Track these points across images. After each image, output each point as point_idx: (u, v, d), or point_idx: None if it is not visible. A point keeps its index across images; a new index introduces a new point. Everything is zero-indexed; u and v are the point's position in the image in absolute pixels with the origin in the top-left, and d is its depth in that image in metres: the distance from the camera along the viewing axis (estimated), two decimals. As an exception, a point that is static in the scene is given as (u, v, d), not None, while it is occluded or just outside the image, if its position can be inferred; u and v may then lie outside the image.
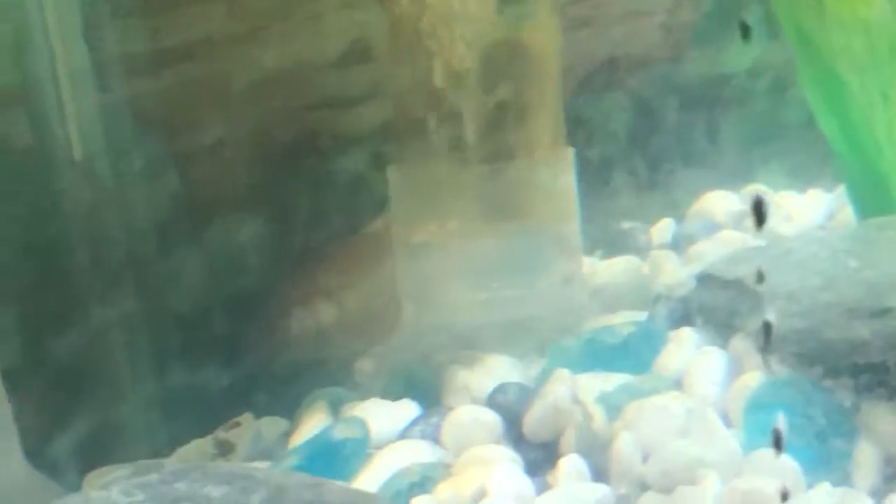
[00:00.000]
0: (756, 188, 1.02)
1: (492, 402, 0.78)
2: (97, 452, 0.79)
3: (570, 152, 0.89)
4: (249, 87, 0.89)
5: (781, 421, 0.81)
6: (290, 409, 0.82)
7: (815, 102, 0.90)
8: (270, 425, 0.82)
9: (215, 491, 0.63)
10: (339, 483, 0.68)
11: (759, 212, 0.70)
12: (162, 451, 0.80)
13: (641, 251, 0.98)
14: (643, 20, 0.97)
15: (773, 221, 0.99)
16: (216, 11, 0.88)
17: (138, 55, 0.86)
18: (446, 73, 0.86)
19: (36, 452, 0.77)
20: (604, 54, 0.99)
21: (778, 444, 0.75)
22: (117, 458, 0.73)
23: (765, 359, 0.79)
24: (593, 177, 0.98)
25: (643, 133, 1.00)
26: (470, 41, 0.85)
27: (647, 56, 0.99)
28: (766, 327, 0.71)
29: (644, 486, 0.73)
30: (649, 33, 0.99)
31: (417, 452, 0.75)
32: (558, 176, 0.88)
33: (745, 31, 0.84)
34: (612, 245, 0.98)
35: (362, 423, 0.77)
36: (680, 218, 1.02)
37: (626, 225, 0.99)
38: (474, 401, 0.79)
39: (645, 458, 0.74)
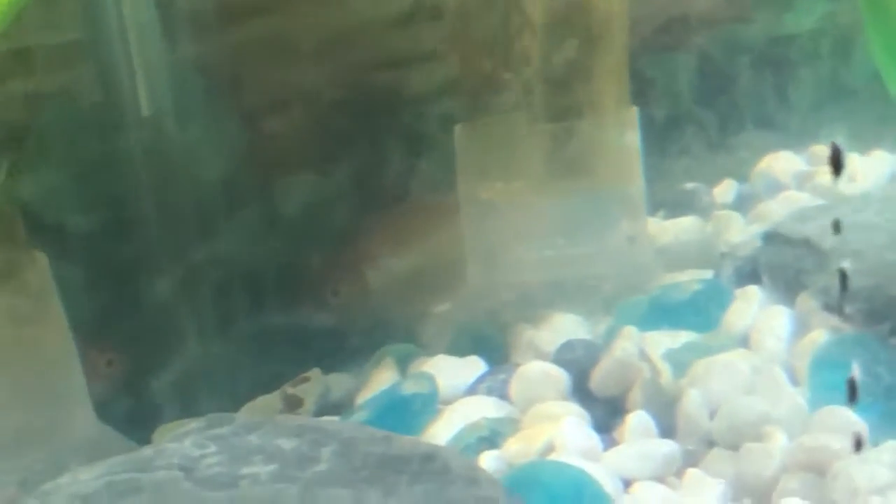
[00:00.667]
0: (833, 142, 1.00)
1: (559, 358, 0.78)
2: (169, 407, 0.81)
3: (634, 112, 0.88)
4: (317, 44, 0.89)
5: (857, 371, 0.81)
6: (359, 365, 0.83)
7: (882, 63, 0.88)
8: (338, 381, 0.82)
9: (287, 443, 0.63)
10: (409, 437, 0.68)
11: (836, 162, 0.69)
12: (231, 405, 0.80)
13: (705, 211, 0.97)
14: None
15: (837, 181, 0.97)
16: None
17: (206, 11, 0.87)
18: (515, 31, 0.85)
19: (106, 407, 0.78)
20: (670, 14, 0.99)
21: (853, 395, 0.79)
22: (190, 413, 0.74)
23: (840, 308, 0.79)
24: (659, 137, 0.97)
25: (708, 94, 1.01)
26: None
27: (713, 16, 0.98)
28: (843, 276, 0.71)
29: (711, 443, 0.72)
30: None
31: (485, 408, 0.75)
32: (623, 136, 0.88)
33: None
34: (677, 205, 0.98)
35: (430, 379, 0.77)
36: (743, 178, 1.02)
37: (689, 185, 0.99)
38: (541, 357, 0.79)
39: (712, 415, 0.73)
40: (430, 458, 0.62)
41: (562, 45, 0.85)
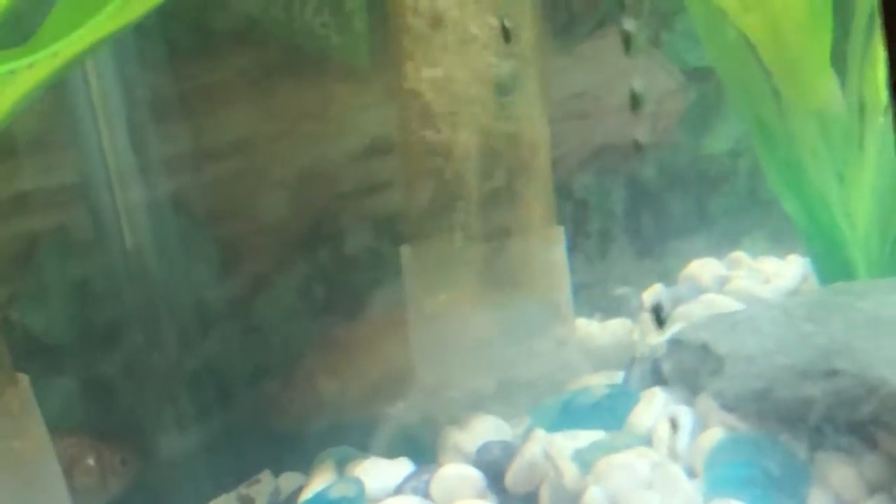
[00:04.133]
0: (699, 265, 1.00)
1: (478, 459, 0.76)
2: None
3: (560, 231, 0.86)
4: (282, 179, 0.89)
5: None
6: (308, 465, 0.81)
7: (776, 184, 0.88)
8: (288, 481, 0.80)
9: None
10: None
11: (658, 314, 0.69)
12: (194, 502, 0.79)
13: (633, 314, 0.94)
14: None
15: (750, 284, 0.97)
16: (248, 115, 0.88)
17: (182, 154, 0.86)
18: (451, 164, 0.84)
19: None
20: (603, 142, 0.98)
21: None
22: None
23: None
24: (593, 249, 0.97)
25: (637, 209, 0.99)
26: (471, 136, 0.83)
27: (640, 142, 0.96)
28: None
29: None
30: (641, 121, 0.96)
31: None
32: (550, 251, 0.86)
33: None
34: (609, 309, 0.95)
35: (358, 482, 0.76)
36: (672, 283, 0.99)
37: (621, 290, 0.96)
38: (464, 458, 0.77)
39: None
40: None
41: (493, 173, 0.83)
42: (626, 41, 0.64)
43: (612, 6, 0.93)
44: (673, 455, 0.75)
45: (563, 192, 0.88)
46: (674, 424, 0.76)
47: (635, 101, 0.64)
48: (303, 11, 0.87)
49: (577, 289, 0.88)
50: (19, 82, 0.61)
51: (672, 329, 0.88)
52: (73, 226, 0.82)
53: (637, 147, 0.91)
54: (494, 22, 0.81)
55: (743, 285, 0.96)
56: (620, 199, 0.96)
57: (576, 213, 0.92)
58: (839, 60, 0.84)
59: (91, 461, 0.80)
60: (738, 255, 1.00)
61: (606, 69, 0.94)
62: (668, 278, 0.98)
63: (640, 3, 0.90)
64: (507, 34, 0.81)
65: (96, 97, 0.81)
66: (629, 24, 0.69)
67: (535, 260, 0.85)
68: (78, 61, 0.65)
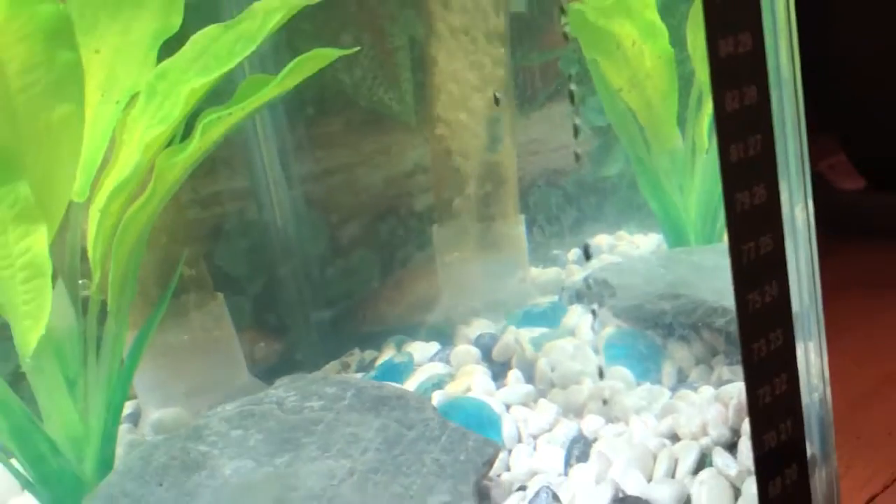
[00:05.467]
0: (611, 236, 1.00)
1: (476, 342, 0.76)
2: (285, 368, 0.77)
3: (522, 218, 0.85)
4: (365, 187, 0.88)
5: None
6: (379, 345, 0.80)
7: (645, 193, 0.88)
8: (368, 354, 0.79)
9: (329, 390, 0.61)
10: (394, 384, 0.66)
11: (587, 252, 0.68)
12: (313, 368, 0.78)
13: (563, 265, 0.94)
14: (564, 150, 0.95)
15: (628, 248, 0.97)
16: (345, 150, 0.86)
17: (308, 171, 0.85)
18: (462, 178, 0.84)
19: (253, 367, 0.77)
20: (544, 168, 0.96)
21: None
22: (293, 371, 0.71)
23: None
24: (539, 229, 0.93)
25: (565, 207, 0.97)
26: (473, 163, 0.83)
27: (566, 167, 0.96)
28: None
29: (552, 385, 0.70)
30: (568, 157, 0.96)
31: (437, 369, 0.73)
32: (516, 229, 0.85)
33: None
34: (548, 262, 0.94)
35: (409, 355, 0.75)
36: (582, 245, 0.98)
37: (555, 252, 0.95)
38: (468, 342, 0.77)
39: (553, 370, 0.71)
40: (401, 397, 0.60)
41: (485, 184, 0.83)
42: (571, 99, 0.66)
43: (554, 90, 0.92)
44: (585, 341, 0.76)
45: (523, 196, 0.87)
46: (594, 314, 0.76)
47: (575, 132, 0.66)
48: (376, 89, 0.85)
49: (531, 251, 0.87)
50: (222, 124, 0.59)
51: (585, 272, 0.90)
52: (245, 211, 0.81)
53: (577, 156, 0.89)
54: (489, 94, 0.81)
55: (624, 249, 0.96)
56: (555, 201, 0.94)
57: (529, 208, 0.90)
58: (681, 120, 0.84)
59: (260, 343, 0.80)
60: (622, 233, 1.00)
61: (549, 126, 0.93)
62: (580, 247, 0.97)
63: (570, 88, 0.89)
64: (497, 101, 0.81)
65: (260, 134, 0.80)
66: (570, 96, 0.70)
67: (507, 234, 0.85)
68: (254, 112, 0.63)
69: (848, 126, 1.35)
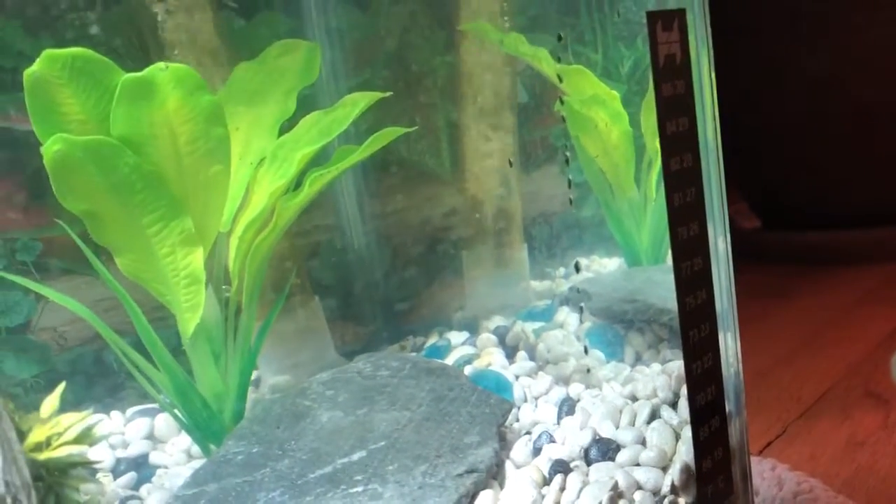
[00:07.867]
0: (588, 259, 0.97)
1: (494, 332, 0.76)
2: (363, 349, 0.77)
3: (525, 245, 0.85)
4: (416, 223, 0.86)
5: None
6: (427, 333, 0.80)
7: (612, 230, 0.86)
8: (419, 340, 0.79)
9: (394, 363, 0.62)
10: (438, 360, 0.67)
11: (577, 267, 0.67)
12: (380, 348, 0.78)
13: (553, 279, 0.93)
14: (555, 197, 0.93)
15: (598, 268, 0.96)
16: (401, 197, 0.85)
17: (376, 212, 0.84)
18: (482, 218, 0.84)
19: (339, 349, 0.76)
20: (540, 210, 0.93)
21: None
22: (367, 350, 0.72)
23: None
24: (536, 253, 0.91)
25: (553, 238, 0.94)
26: (491, 205, 0.83)
27: (557, 211, 0.94)
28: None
29: (547, 363, 0.71)
30: (558, 202, 0.94)
31: (467, 350, 0.73)
32: (520, 253, 0.85)
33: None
34: (543, 277, 0.92)
35: (448, 340, 0.76)
36: (569, 269, 0.95)
37: (547, 269, 0.93)
38: (488, 331, 0.77)
39: (548, 352, 0.72)
40: (443, 369, 0.61)
41: (499, 221, 0.84)
42: (567, 161, 0.65)
43: (548, 156, 0.90)
44: (571, 332, 0.76)
45: (525, 230, 0.86)
46: (581, 311, 0.75)
47: (569, 184, 0.65)
48: (419, 149, 0.84)
49: (531, 268, 0.86)
50: (322, 179, 0.61)
51: (570, 283, 0.90)
52: (334, 239, 0.80)
53: (571, 201, 0.86)
54: (504, 159, 0.81)
55: (596, 268, 0.93)
56: (546, 233, 0.92)
57: (529, 238, 0.88)
58: (637, 178, 0.82)
59: (344, 332, 0.79)
60: (594, 257, 0.95)
61: (545, 181, 0.91)
62: (566, 266, 0.96)
63: (565, 154, 0.87)
64: (511, 163, 0.82)
65: (344, 185, 0.79)
66: (565, 160, 0.70)
67: (514, 257, 0.84)
68: (344, 171, 0.63)
69: (748, 182, 1.36)
